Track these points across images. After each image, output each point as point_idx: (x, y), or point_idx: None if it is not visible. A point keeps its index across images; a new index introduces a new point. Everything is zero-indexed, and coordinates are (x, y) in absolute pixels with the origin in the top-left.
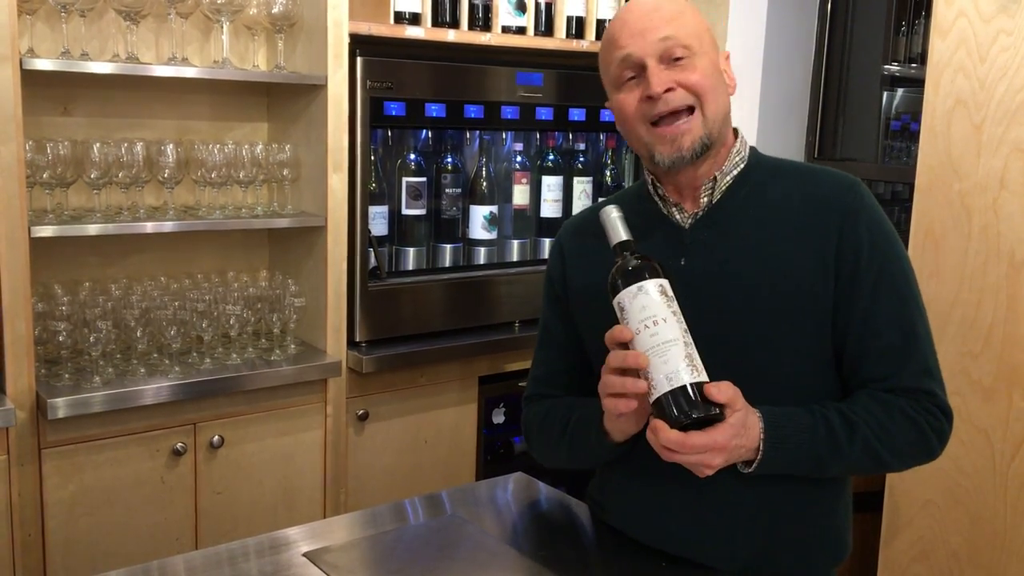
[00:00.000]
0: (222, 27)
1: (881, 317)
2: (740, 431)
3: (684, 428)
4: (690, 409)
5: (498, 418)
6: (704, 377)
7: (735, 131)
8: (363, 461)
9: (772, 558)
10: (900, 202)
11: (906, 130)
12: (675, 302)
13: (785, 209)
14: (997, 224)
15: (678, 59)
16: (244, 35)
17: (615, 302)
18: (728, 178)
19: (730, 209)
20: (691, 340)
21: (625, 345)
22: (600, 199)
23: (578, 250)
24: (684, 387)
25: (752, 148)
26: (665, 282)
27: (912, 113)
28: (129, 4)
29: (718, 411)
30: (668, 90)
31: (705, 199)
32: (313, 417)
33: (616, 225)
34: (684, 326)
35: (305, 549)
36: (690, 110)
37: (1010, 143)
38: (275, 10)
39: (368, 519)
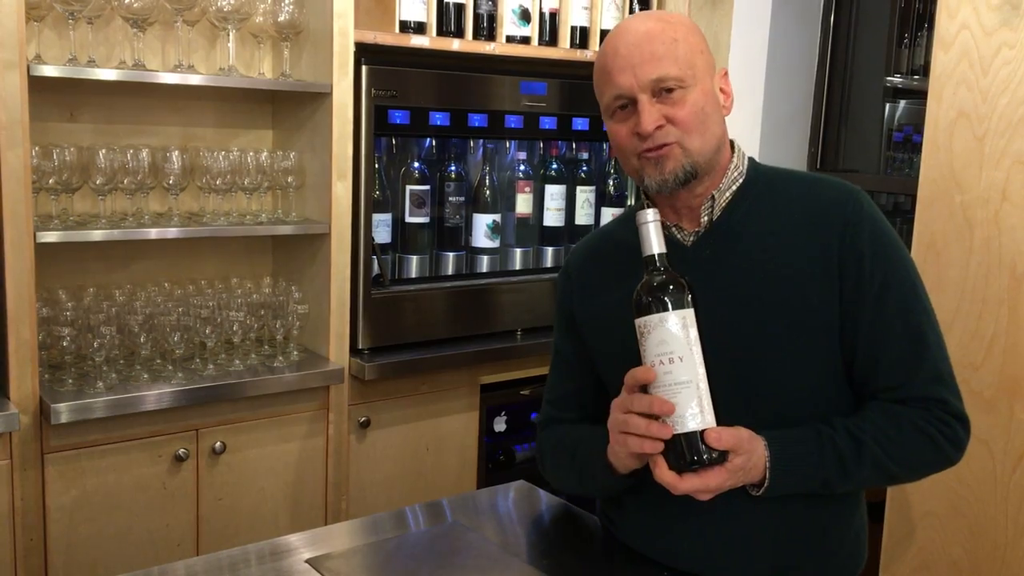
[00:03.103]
0: (228, 35)
1: (888, 327)
2: (737, 474)
3: (681, 472)
4: (688, 458)
5: (500, 426)
6: (711, 420)
7: (732, 144)
8: (365, 468)
9: (788, 572)
10: (902, 214)
11: (908, 142)
12: (695, 334)
13: (786, 222)
14: (999, 236)
15: (670, 90)
16: (250, 43)
17: (636, 322)
18: (727, 194)
19: (731, 225)
20: (704, 376)
21: (645, 386)
22: (603, 208)
23: (586, 278)
24: (687, 435)
25: (750, 159)
26: (689, 312)
27: (914, 125)
28: (136, 11)
29: (718, 456)
30: (658, 127)
31: (705, 218)
32: (315, 424)
33: (649, 233)
34: (700, 361)
35: (307, 556)
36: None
37: (1012, 155)
38: (281, 18)
39: (370, 526)
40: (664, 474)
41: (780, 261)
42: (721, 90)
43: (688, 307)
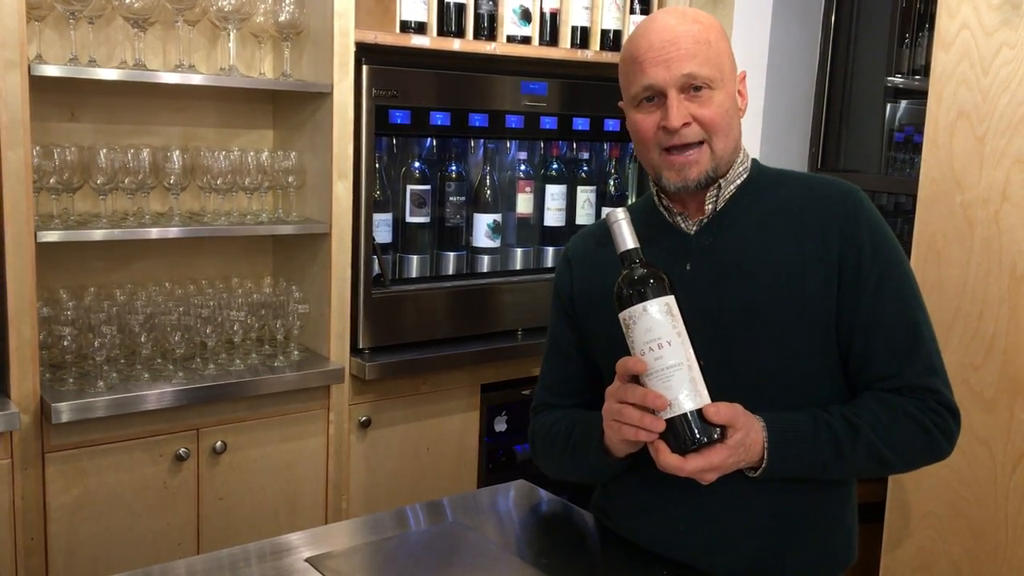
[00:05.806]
0: (229, 35)
1: (884, 317)
2: (738, 450)
3: (684, 453)
4: (690, 437)
5: (500, 426)
6: (705, 399)
7: None
8: (365, 468)
9: (779, 563)
10: (903, 213)
11: (909, 142)
12: (680, 319)
13: (787, 215)
14: (999, 236)
15: (698, 89)
16: (251, 43)
17: (620, 316)
18: (732, 187)
19: (734, 216)
20: (694, 358)
21: (636, 376)
22: (604, 208)
23: (585, 261)
24: (685, 415)
25: (753, 160)
26: (671, 299)
27: (915, 125)
28: (137, 11)
29: (718, 434)
30: (685, 124)
31: (710, 206)
32: (316, 423)
33: (622, 230)
34: (688, 344)
35: (307, 554)
36: (700, 143)
37: (1012, 155)
38: (282, 18)
39: (370, 525)
40: (668, 458)
41: (779, 251)
42: (739, 92)
43: (669, 294)
